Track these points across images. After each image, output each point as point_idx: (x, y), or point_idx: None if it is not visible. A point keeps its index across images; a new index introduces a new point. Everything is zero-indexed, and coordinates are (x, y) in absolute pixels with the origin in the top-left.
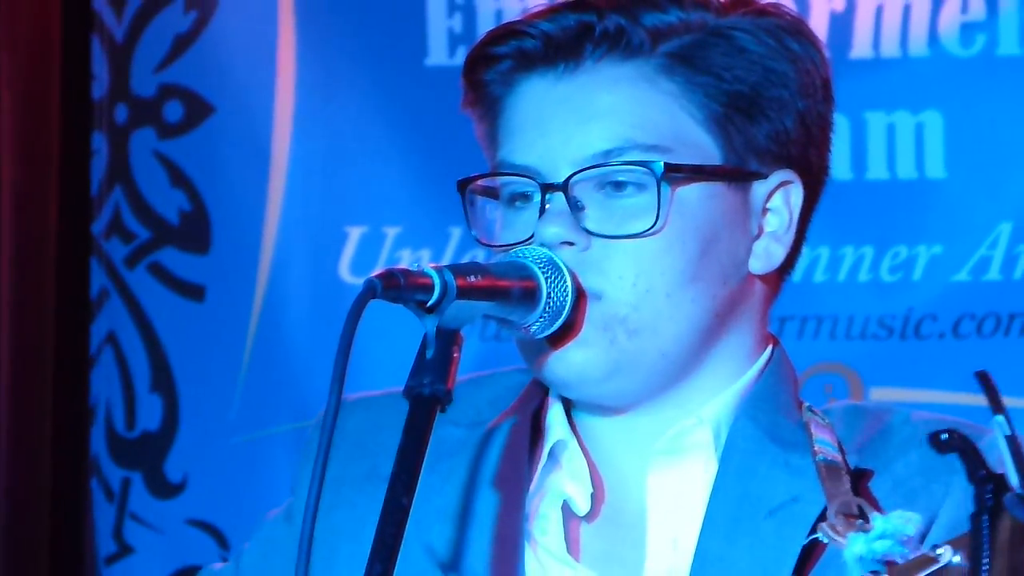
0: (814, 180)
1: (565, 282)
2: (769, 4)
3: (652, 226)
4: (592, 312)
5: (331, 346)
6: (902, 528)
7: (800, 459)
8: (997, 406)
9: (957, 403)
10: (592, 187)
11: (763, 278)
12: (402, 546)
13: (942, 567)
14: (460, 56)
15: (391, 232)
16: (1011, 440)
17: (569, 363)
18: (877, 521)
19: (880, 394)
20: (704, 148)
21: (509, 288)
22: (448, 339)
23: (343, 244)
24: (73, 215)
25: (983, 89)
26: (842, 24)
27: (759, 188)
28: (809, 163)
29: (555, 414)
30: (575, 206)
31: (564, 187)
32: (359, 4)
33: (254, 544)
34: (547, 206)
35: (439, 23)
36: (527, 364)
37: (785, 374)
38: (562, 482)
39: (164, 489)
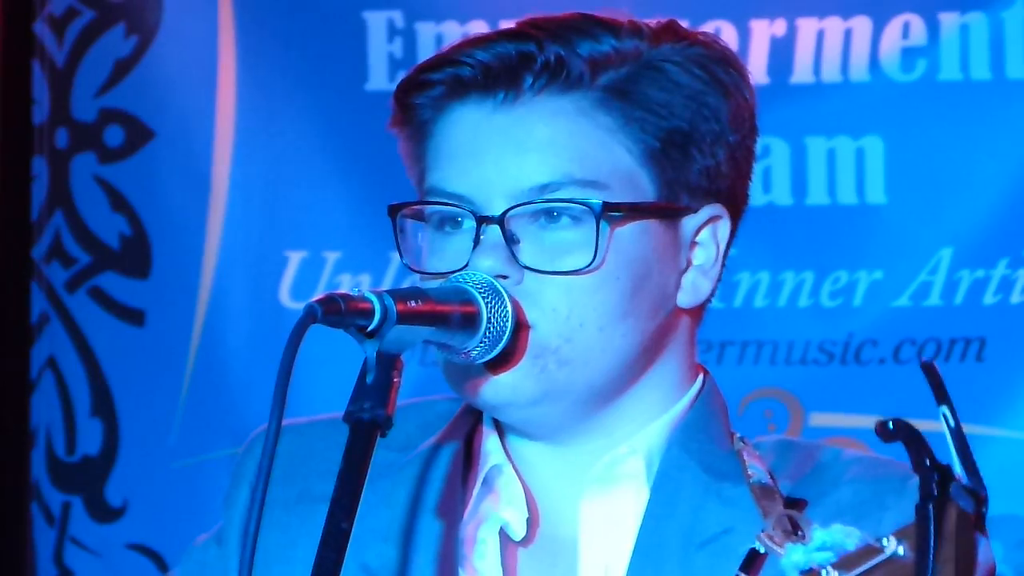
0: (736, 212)
1: (505, 308)
2: (700, 33)
3: (589, 264)
4: (524, 340)
5: (271, 370)
6: (842, 541)
7: (733, 488)
8: (941, 396)
9: None
10: (527, 219)
11: (688, 309)
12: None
13: (887, 557)
14: None
15: (331, 257)
16: (955, 431)
17: (498, 387)
18: (817, 533)
19: (820, 419)
20: (639, 184)
21: (449, 313)
22: (388, 364)
23: (283, 269)
24: (13, 239)
25: (924, 114)
26: (783, 49)
27: (689, 222)
28: (735, 196)
29: (490, 440)
30: (510, 239)
31: (500, 220)
32: (300, 29)
33: (183, 569)
34: (481, 237)
35: (379, 48)
36: (454, 388)
37: (717, 404)
38: (498, 507)
39: (104, 513)
